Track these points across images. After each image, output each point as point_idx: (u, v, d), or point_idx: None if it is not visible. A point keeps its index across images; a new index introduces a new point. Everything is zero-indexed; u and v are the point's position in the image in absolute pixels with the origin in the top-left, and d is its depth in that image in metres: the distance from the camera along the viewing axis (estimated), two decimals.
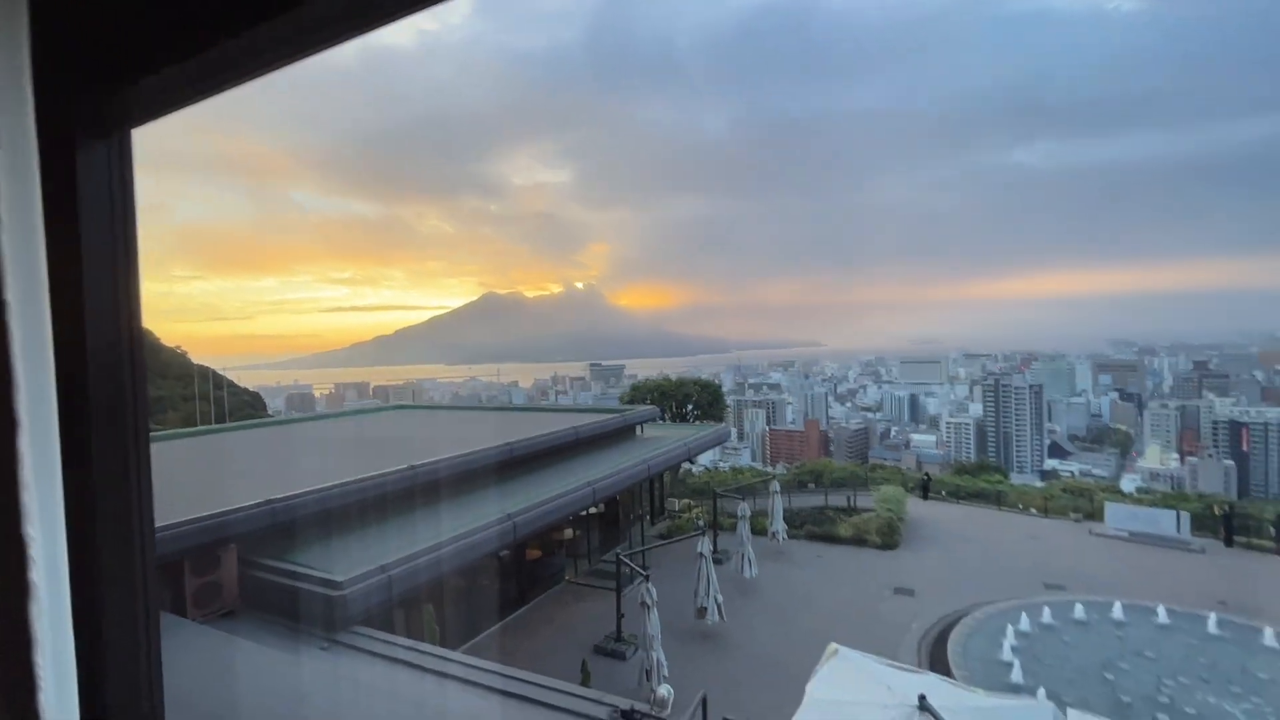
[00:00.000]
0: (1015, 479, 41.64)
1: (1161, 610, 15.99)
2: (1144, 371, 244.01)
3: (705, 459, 54.83)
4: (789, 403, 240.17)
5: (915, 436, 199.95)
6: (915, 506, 27.53)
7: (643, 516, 22.84)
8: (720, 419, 38.11)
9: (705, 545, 15.81)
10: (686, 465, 33.79)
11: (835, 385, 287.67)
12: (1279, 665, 13.58)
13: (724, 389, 49.82)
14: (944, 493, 31.08)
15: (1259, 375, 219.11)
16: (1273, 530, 21.97)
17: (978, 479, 34.21)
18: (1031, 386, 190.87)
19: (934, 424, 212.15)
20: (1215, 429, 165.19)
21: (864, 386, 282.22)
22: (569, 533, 20.06)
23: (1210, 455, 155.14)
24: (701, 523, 23.51)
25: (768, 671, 13.55)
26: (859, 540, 22.79)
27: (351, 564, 9.46)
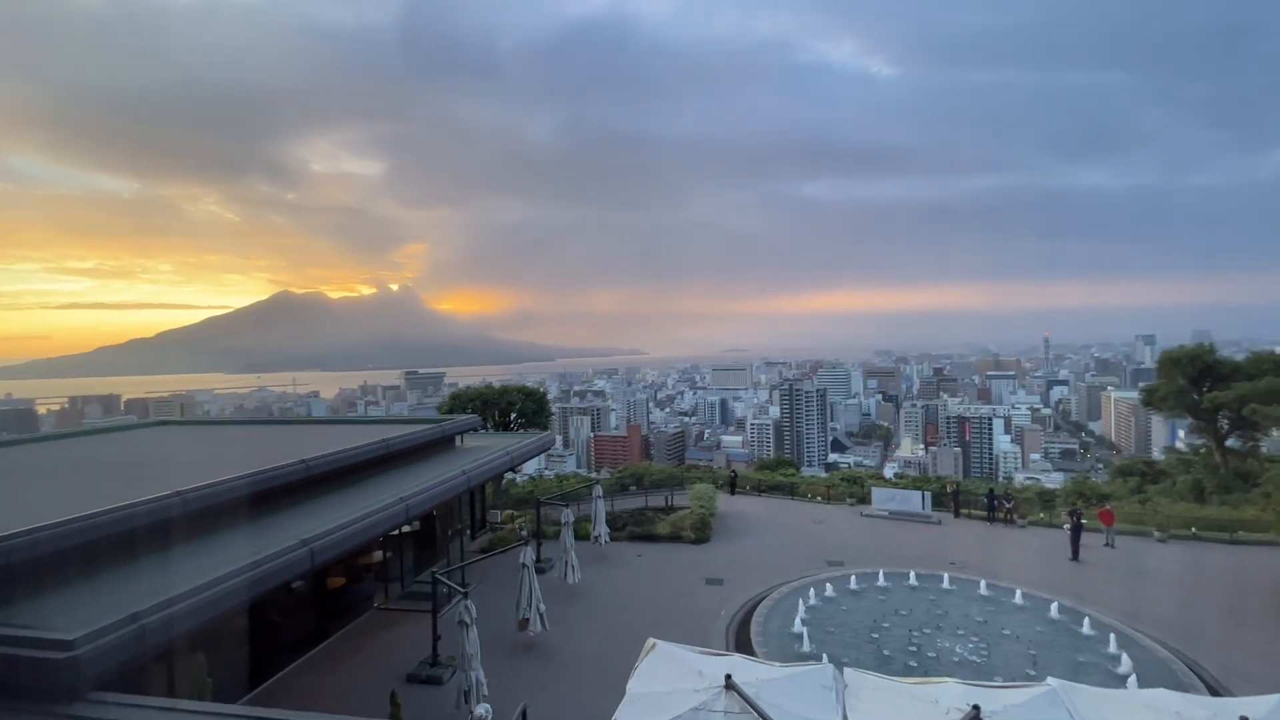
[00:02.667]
0: (805, 471, 47.31)
1: (912, 574, 19.23)
2: (900, 377, 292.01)
3: (530, 467, 54.10)
4: (613, 409, 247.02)
5: (725, 437, 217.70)
6: (725, 502, 29.91)
7: (462, 531, 21.83)
8: (545, 427, 37.89)
9: (528, 555, 15.56)
10: (510, 475, 33.02)
11: (656, 391, 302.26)
12: (989, 609, 17.10)
13: (549, 396, 49.65)
14: (749, 487, 34.22)
15: (976, 380, 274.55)
16: (985, 502, 27.65)
17: (776, 473, 38.23)
18: (818, 390, 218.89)
19: (741, 425, 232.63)
20: (948, 423, 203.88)
21: (682, 392, 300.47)
22: (379, 555, 18.47)
23: (945, 444, 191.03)
24: (525, 532, 23.15)
25: (591, 674, 13.71)
26: (675, 537, 24.14)
27: (90, 616, 7.68)
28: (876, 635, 15.66)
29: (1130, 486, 35.99)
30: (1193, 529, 24.08)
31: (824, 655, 13.97)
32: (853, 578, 19.20)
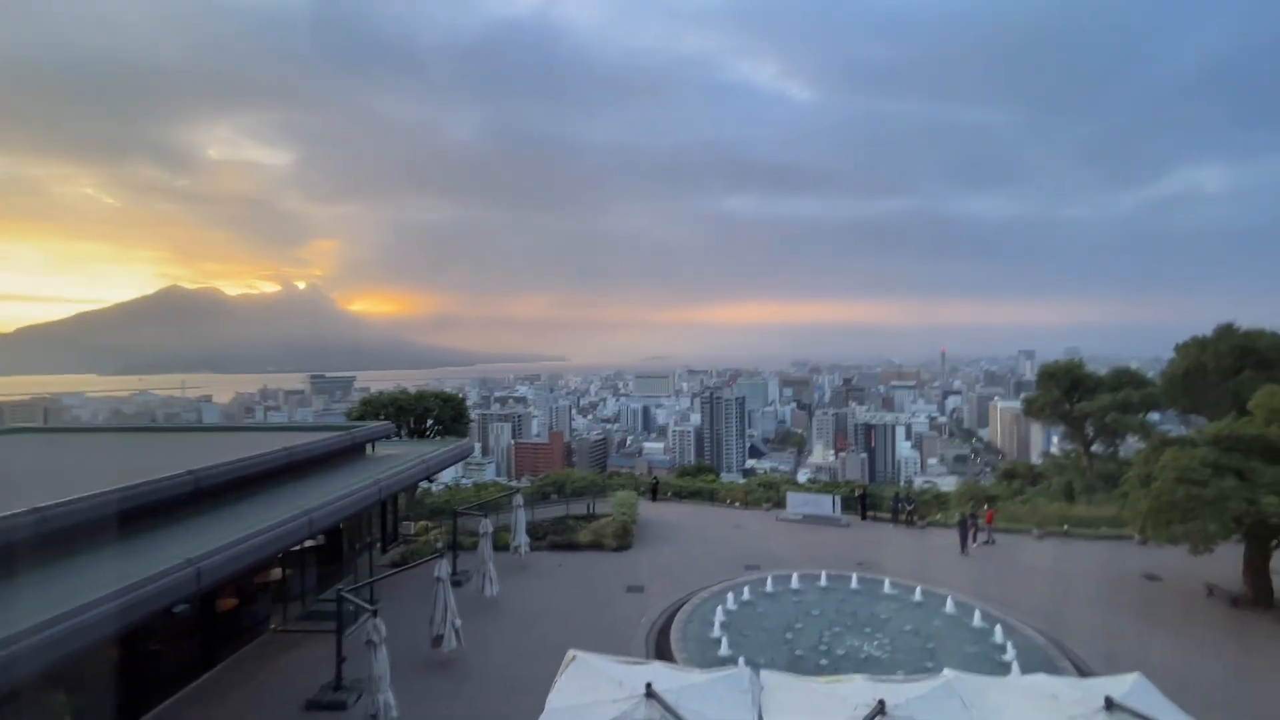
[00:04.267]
0: (725, 477, 48.37)
1: (823, 576, 20.08)
2: (813, 386, 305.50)
3: (447, 476, 52.24)
4: (535, 416, 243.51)
5: (647, 444, 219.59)
6: (646, 508, 30.09)
7: (372, 544, 20.72)
8: (464, 434, 36.71)
9: (443, 568, 14.99)
10: (425, 484, 31.74)
11: (579, 398, 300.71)
12: (893, 606, 18.12)
13: (469, 403, 48.20)
14: (670, 493, 34.62)
15: (882, 389, 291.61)
16: (889, 505, 29.36)
17: (696, 479, 38.89)
18: (737, 399, 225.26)
19: (663, 432, 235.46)
20: (856, 430, 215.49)
21: (604, 399, 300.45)
22: (277, 572, 17.19)
23: (853, 450, 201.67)
24: (440, 544, 22.30)
25: (509, 690, 13.34)
26: (597, 545, 24.02)
27: None
28: (791, 636, 16.21)
29: (1013, 488, 39.32)
30: (1065, 526, 26.61)
31: (741, 658, 14.29)
32: (769, 581, 19.81)
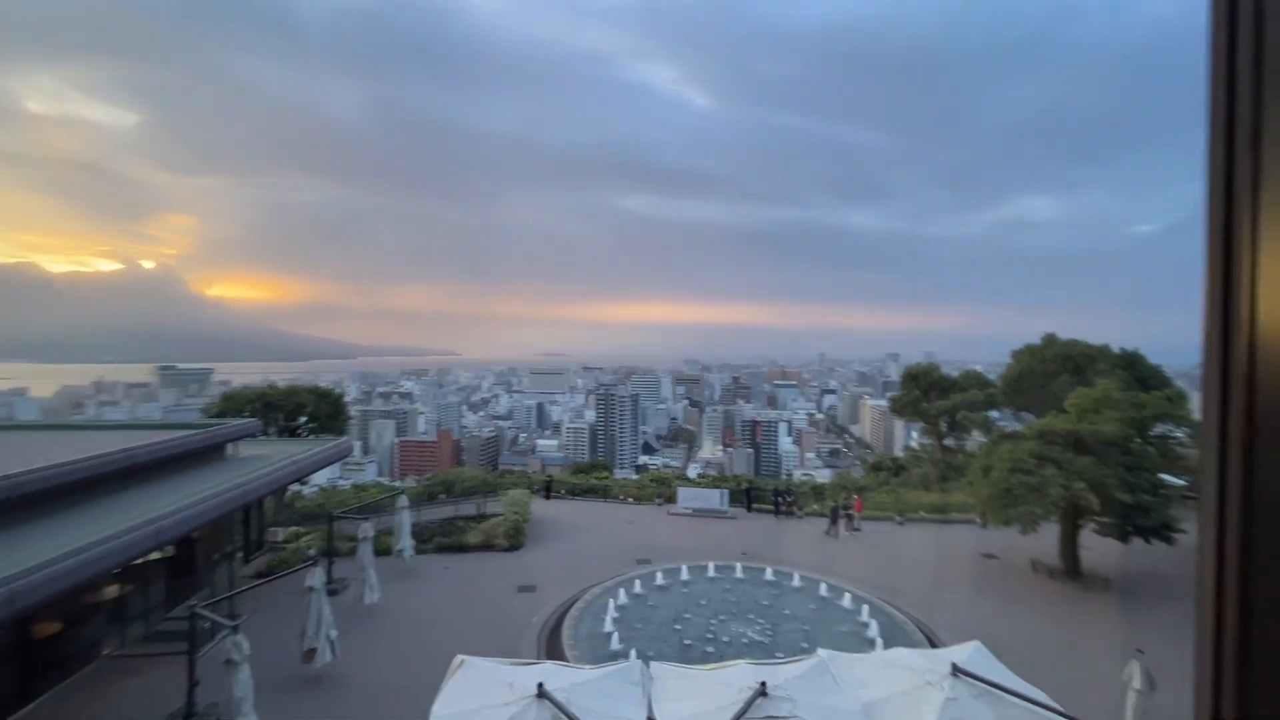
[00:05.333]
0: (618, 474, 48.90)
1: (711, 567, 20.90)
2: (704, 384, 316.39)
3: (321, 478, 48.56)
4: (422, 413, 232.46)
5: (541, 442, 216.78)
6: (539, 507, 29.73)
7: (233, 554, 18.84)
8: (342, 432, 34.30)
9: (317, 577, 13.93)
10: (297, 487, 29.35)
11: (469, 394, 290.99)
12: (774, 593, 19.24)
13: (347, 398, 45.06)
14: (564, 491, 34.43)
15: (767, 388, 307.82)
16: (772, 498, 31.11)
17: (590, 476, 39.00)
18: (632, 395, 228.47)
19: (557, 429, 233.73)
20: (743, 426, 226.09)
21: (497, 395, 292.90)
22: (113, 590, 15.16)
23: (740, 445, 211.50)
24: (314, 551, 20.73)
25: (391, 702, 12.68)
26: (487, 545, 23.40)
27: None
28: (679, 627, 16.73)
29: (880, 479, 43.11)
30: (921, 513, 29.57)
31: (632, 652, 14.54)
32: (659, 574, 20.30)
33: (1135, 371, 31.83)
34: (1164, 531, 19.32)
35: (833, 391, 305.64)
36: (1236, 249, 0.63)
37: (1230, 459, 0.63)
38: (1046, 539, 21.24)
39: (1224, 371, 0.64)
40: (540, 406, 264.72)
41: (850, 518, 27.10)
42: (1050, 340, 36.09)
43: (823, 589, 19.17)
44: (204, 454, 18.56)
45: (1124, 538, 20.30)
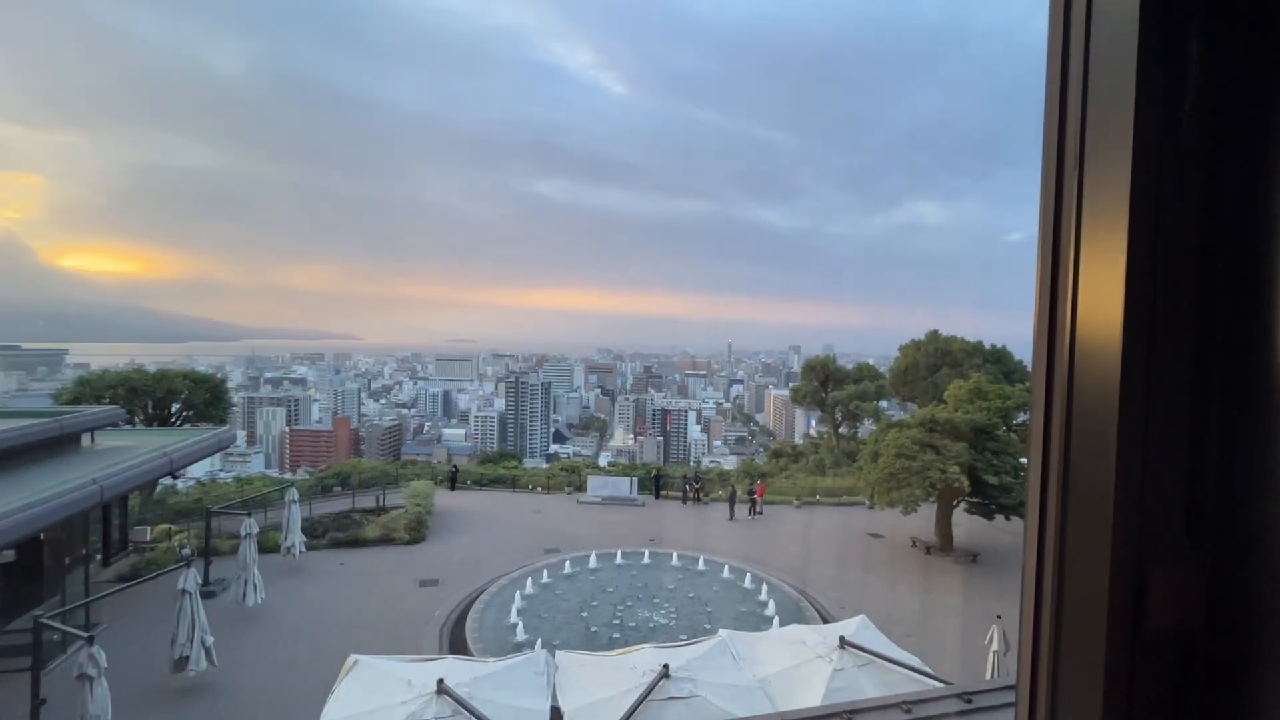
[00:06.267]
0: (528, 463, 48.40)
1: (619, 553, 21.16)
2: (616, 373, 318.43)
3: (199, 470, 44.39)
4: (316, 400, 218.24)
5: (447, 431, 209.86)
6: (444, 498, 28.80)
7: (89, 557, 16.87)
8: (223, 420, 31.51)
9: (190, 579, 12.76)
10: (169, 481, 26.69)
11: (370, 381, 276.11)
12: (679, 577, 19.79)
13: (230, 384, 41.40)
14: (470, 482, 33.56)
15: (677, 377, 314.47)
16: (681, 485, 31.90)
17: (498, 466, 38.26)
18: (543, 384, 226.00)
19: (465, 418, 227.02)
20: (654, 415, 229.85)
21: (400, 383, 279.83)
22: None
23: (651, 434, 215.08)
24: (188, 551, 18.98)
25: (274, 711, 11.89)
26: (387, 539, 22.40)
27: None
28: (586, 614, 16.83)
29: (781, 465, 45.34)
30: (817, 496, 31.42)
31: (538, 641, 14.48)
32: (567, 563, 20.30)
33: (1003, 366, 35.36)
34: (1023, 509, 21.68)
35: (740, 381, 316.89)
36: (1062, 260, 0.70)
37: (1051, 452, 0.70)
38: (925, 518, 23.20)
39: (1049, 372, 0.71)
40: (447, 394, 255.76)
41: (753, 503, 28.29)
42: (933, 336, 39.32)
43: (725, 571, 19.93)
44: (53, 445, 16.44)
45: (989, 515, 22.61)
